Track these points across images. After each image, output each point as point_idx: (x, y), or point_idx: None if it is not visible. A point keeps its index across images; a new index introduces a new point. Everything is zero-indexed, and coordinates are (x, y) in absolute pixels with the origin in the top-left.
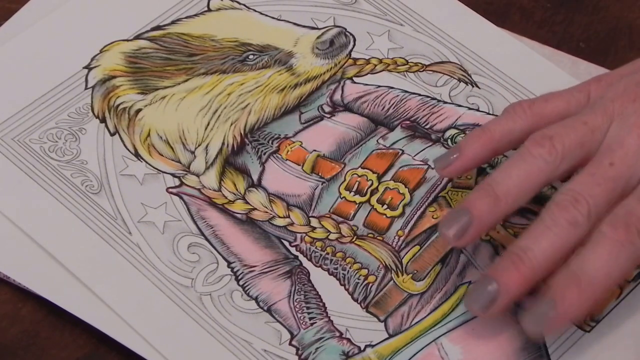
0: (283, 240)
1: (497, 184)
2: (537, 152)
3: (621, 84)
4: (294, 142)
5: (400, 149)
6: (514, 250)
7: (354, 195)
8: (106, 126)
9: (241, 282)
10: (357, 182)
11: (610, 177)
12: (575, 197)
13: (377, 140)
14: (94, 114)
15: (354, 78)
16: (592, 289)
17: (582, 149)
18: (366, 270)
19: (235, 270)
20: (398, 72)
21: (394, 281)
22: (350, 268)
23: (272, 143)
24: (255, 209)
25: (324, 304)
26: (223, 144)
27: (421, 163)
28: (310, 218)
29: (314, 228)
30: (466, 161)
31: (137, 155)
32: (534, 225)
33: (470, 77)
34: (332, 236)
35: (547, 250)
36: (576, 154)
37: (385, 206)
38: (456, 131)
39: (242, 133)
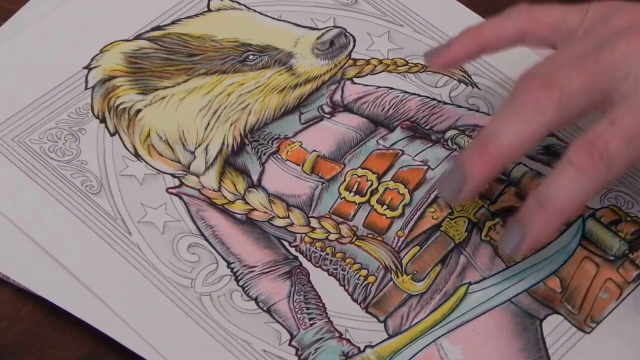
0: (283, 241)
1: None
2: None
3: (623, 6)
4: (293, 143)
5: (400, 150)
6: (480, 136)
7: (353, 195)
8: (106, 126)
9: (241, 283)
10: (357, 183)
11: (592, 71)
12: (548, 81)
13: (377, 141)
14: (94, 114)
15: (354, 79)
16: (556, 214)
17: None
18: (366, 271)
19: (235, 270)
20: (398, 73)
21: (393, 282)
22: (350, 268)
23: (272, 143)
24: (255, 209)
25: (323, 304)
26: (223, 144)
27: (421, 164)
28: (310, 218)
29: (314, 228)
30: (454, 53)
31: (137, 155)
32: (502, 108)
33: (470, 78)
34: (332, 237)
35: (512, 136)
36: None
37: (385, 207)
38: (456, 132)
39: (242, 133)
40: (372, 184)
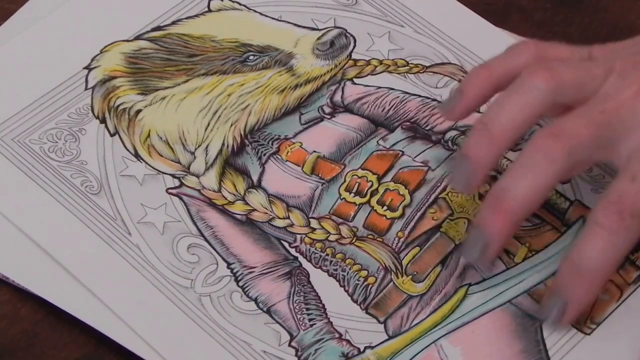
0: (283, 241)
1: (491, 120)
2: (532, 83)
3: (624, 52)
4: (294, 143)
5: (401, 150)
6: (494, 193)
7: (354, 196)
8: (106, 127)
9: (241, 283)
10: (357, 183)
11: (597, 122)
12: (555, 132)
13: (377, 142)
14: (94, 114)
15: (354, 79)
16: (593, 278)
17: (579, 90)
18: (366, 272)
19: (234, 271)
20: (398, 74)
21: (393, 282)
22: (350, 269)
23: (272, 144)
24: (255, 209)
25: (323, 305)
26: (223, 144)
27: (421, 164)
28: (310, 219)
29: (314, 229)
30: (469, 100)
31: (137, 155)
32: (514, 163)
33: None
34: (332, 237)
35: (525, 190)
36: (572, 92)
37: (385, 207)
38: (457, 132)
39: (242, 134)
40: (372, 185)
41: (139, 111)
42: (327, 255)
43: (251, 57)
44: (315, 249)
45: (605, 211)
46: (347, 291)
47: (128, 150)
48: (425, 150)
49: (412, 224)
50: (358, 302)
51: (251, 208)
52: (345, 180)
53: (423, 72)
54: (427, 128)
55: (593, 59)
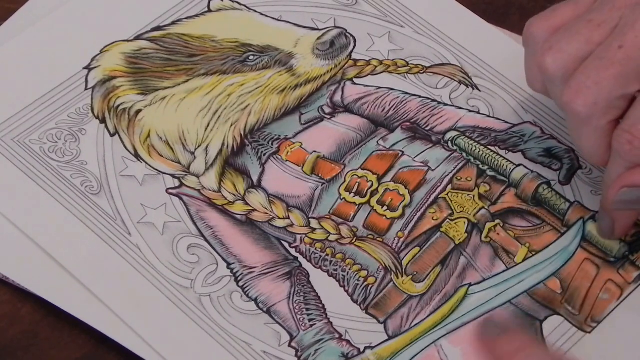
0: (283, 242)
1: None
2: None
3: None
4: (294, 143)
5: (401, 151)
6: None
7: (354, 196)
8: (106, 127)
9: (241, 284)
10: (357, 184)
11: (619, 60)
12: (579, 87)
13: (377, 142)
14: (94, 114)
15: (354, 79)
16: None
17: (589, 45)
18: (366, 272)
19: (234, 271)
20: (398, 74)
21: (393, 283)
22: (350, 269)
23: (272, 144)
24: (255, 210)
25: (323, 305)
26: (223, 144)
27: (421, 164)
28: (310, 219)
29: (314, 229)
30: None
31: (137, 156)
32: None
33: (471, 79)
34: (332, 237)
35: (587, 149)
36: (584, 54)
37: (385, 207)
38: (457, 133)
39: (242, 134)
40: (372, 185)
41: (139, 111)
42: (327, 255)
43: (251, 57)
44: (315, 249)
45: (618, 139)
46: (347, 291)
47: (128, 150)
48: (425, 151)
49: (412, 224)
50: (358, 303)
51: (251, 208)
52: (345, 180)
53: (423, 72)
54: (427, 128)
55: (598, 3)
